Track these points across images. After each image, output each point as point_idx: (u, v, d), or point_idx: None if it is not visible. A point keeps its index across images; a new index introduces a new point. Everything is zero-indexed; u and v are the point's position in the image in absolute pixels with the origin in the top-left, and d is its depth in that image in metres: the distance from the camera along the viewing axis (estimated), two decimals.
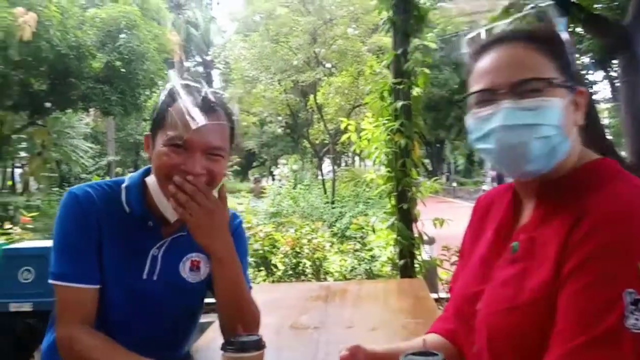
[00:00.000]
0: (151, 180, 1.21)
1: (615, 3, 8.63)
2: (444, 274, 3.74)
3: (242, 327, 1.11)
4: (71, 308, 1.15)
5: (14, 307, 2.97)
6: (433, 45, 3.76)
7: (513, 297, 0.83)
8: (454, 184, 27.47)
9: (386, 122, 3.53)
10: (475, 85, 0.91)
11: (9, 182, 25.08)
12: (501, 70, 0.87)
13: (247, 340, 1.10)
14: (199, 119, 1.10)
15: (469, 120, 0.92)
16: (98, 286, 1.18)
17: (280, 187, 19.49)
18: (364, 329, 1.55)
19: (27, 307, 2.97)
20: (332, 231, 9.36)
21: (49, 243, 3.16)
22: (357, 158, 33.53)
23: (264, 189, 14.86)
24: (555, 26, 0.90)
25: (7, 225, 3.95)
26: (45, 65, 11.76)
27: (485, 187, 23.68)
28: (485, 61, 0.90)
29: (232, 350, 1.08)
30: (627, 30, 3.70)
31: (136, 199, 1.23)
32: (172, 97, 1.16)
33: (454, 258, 3.78)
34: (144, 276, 1.22)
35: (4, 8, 10.00)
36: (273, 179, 27.94)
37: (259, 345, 1.09)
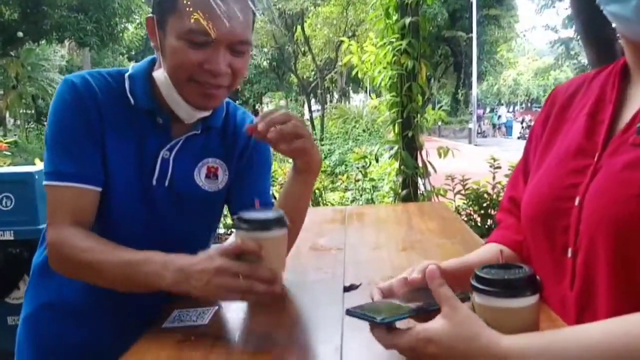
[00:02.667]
0: (160, 75, 1.00)
1: None
2: (449, 204, 3.63)
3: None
4: (64, 209, 0.95)
5: None
6: None
7: None
8: (439, 123, 27.32)
9: (393, 41, 3.28)
10: None
11: None
12: None
13: (269, 218, 0.82)
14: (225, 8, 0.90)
15: None
16: (99, 189, 0.98)
17: None
18: (393, 249, 1.40)
19: (8, 235, 2.78)
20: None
21: (30, 168, 2.93)
22: (343, 97, 33.03)
23: None
24: None
25: None
26: None
27: (471, 126, 23.68)
28: None
29: (249, 229, 0.81)
30: None
31: (142, 90, 1.03)
32: None
33: (458, 187, 3.65)
34: (154, 182, 1.03)
35: None
36: None
37: (283, 221, 0.84)
